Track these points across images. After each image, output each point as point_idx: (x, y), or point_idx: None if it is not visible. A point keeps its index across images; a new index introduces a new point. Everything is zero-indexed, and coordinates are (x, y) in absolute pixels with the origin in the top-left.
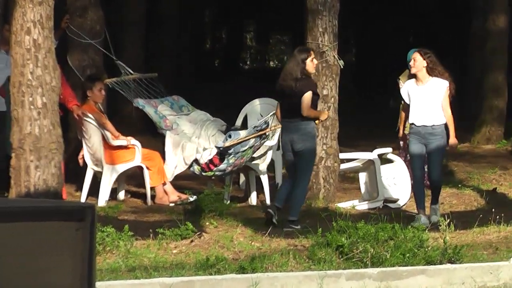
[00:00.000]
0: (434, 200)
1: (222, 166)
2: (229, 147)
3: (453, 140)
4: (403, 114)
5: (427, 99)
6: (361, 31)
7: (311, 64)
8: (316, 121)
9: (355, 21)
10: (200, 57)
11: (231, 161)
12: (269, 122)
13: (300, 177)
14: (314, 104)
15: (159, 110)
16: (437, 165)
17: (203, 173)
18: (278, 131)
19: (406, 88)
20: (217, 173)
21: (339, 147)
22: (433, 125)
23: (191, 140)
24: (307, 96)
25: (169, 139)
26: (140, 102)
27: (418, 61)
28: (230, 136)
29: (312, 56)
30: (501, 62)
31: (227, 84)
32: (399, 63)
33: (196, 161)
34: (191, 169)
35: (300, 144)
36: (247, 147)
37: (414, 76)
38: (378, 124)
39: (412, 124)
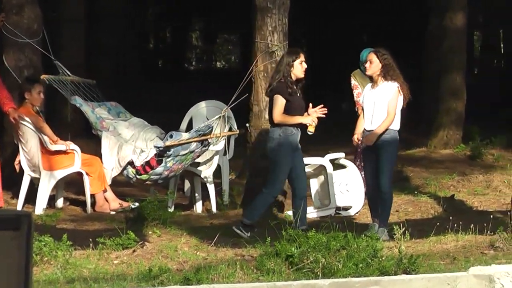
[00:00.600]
0: (383, 219)
1: (159, 169)
2: (169, 148)
3: (370, 138)
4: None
5: (376, 103)
6: (313, 29)
7: (299, 67)
8: (309, 129)
9: (306, 20)
10: (143, 56)
11: (169, 164)
12: (213, 127)
13: (266, 183)
14: (291, 109)
15: (96, 111)
16: (384, 175)
17: (138, 176)
18: (224, 138)
19: (364, 91)
20: (152, 176)
21: None
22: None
23: (128, 142)
24: (275, 100)
25: (106, 140)
26: (77, 100)
27: (374, 63)
28: (171, 136)
29: (302, 58)
30: (459, 62)
31: (172, 85)
32: (353, 63)
33: (131, 163)
34: (125, 172)
35: (268, 152)
36: (187, 151)
37: (370, 78)
38: (331, 127)
39: (364, 129)
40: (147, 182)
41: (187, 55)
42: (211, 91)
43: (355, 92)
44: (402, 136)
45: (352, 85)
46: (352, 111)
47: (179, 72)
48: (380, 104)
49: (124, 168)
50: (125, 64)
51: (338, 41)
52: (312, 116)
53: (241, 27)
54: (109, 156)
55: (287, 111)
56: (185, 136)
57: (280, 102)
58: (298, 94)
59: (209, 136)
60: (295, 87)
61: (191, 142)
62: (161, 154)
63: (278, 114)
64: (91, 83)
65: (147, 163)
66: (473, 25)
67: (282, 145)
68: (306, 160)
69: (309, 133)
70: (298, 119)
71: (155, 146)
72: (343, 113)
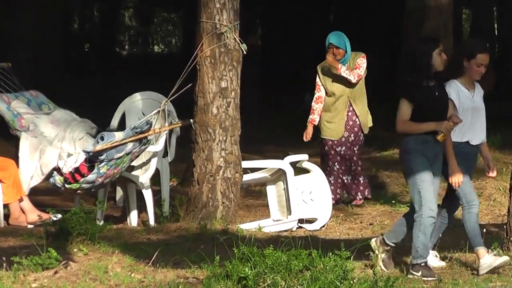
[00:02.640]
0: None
1: (91, 176)
2: (100, 152)
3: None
4: None
5: (477, 111)
6: (270, 8)
7: (438, 59)
8: (438, 137)
9: None
10: (66, 40)
11: (102, 170)
12: (152, 122)
13: (412, 209)
14: (420, 114)
15: (12, 106)
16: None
17: (67, 185)
18: (164, 134)
19: (462, 97)
20: (84, 185)
21: (241, 154)
22: None
23: (53, 144)
24: (400, 104)
25: (25, 142)
26: None
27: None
28: (102, 138)
29: (441, 47)
30: (445, 46)
31: (100, 74)
32: (317, 47)
33: (57, 169)
34: (51, 180)
35: (403, 166)
36: (123, 153)
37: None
38: (291, 124)
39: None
40: (78, 192)
41: (119, 38)
42: (147, 81)
43: (316, 95)
44: (376, 134)
45: (316, 82)
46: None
47: (109, 58)
48: (482, 111)
49: (50, 176)
50: (44, 49)
51: (300, 22)
52: (446, 124)
53: (184, 3)
54: (28, 161)
55: (417, 117)
56: (118, 136)
57: (404, 107)
58: (437, 94)
59: (148, 133)
60: (431, 84)
61: (127, 142)
62: (92, 159)
63: (400, 121)
64: (5, 66)
65: (77, 170)
66: (460, 1)
67: (413, 157)
68: (263, 163)
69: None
70: (425, 127)
71: (84, 151)
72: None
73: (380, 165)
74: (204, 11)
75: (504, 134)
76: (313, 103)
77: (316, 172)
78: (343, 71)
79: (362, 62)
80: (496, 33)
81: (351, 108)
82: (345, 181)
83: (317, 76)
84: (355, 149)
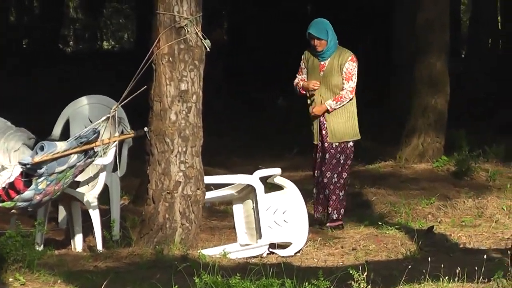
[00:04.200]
0: None
1: (28, 193)
2: (39, 165)
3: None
4: None
5: None
6: None
7: None
8: None
9: None
10: (2, 35)
11: (41, 186)
12: (99, 131)
13: None
14: None
15: None
16: None
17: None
18: (114, 145)
19: None
20: (19, 203)
21: (204, 167)
22: None
23: None
24: None
25: None
26: None
27: None
28: (42, 149)
29: None
30: (440, 42)
31: (41, 74)
32: (293, 42)
33: None
34: None
35: None
36: (65, 166)
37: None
38: (262, 131)
39: None
40: (13, 211)
41: (63, 32)
42: (95, 82)
43: (298, 78)
44: (362, 144)
45: (299, 65)
46: (291, 107)
47: (51, 55)
48: None
49: None
50: None
51: (274, 13)
52: None
53: None
54: None
55: None
56: (61, 146)
57: None
58: None
59: (95, 143)
60: None
61: (70, 154)
62: (29, 173)
63: None
64: None
65: (11, 185)
66: None
67: None
68: (228, 178)
69: None
70: None
71: (19, 163)
72: (279, 110)
73: (365, 180)
74: (161, 1)
75: (509, 143)
76: (296, 80)
77: (290, 188)
78: (334, 105)
79: (352, 68)
80: (499, 27)
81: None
82: (324, 195)
83: (302, 60)
84: (340, 158)
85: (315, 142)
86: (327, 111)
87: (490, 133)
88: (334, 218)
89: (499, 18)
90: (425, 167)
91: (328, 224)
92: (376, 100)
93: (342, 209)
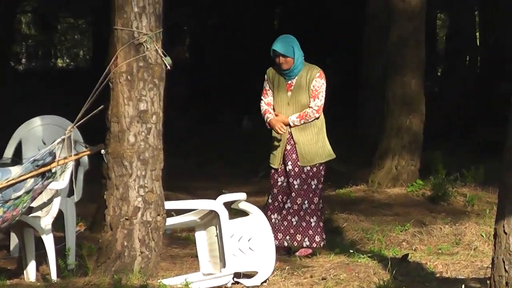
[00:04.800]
0: None
1: None
2: None
3: None
4: None
5: None
6: (200, 12)
7: None
8: None
9: None
10: None
11: None
12: (55, 152)
13: None
14: None
15: None
16: None
17: None
18: (70, 167)
19: None
20: None
21: (164, 192)
22: None
23: None
24: None
25: None
26: None
27: None
28: None
29: None
30: (415, 59)
31: None
32: (259, 59)
33: None
34: None
35: None
36: (22, 191)
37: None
38: (227, 154)
39: None
40: None
41: (14, 49)
42: (49, 102)
43: (264, 101)
44: (332, 167)
45: (263, 87)
46: (256, 128)
47: (1, 74)
48: None
49: None
50: None
51: (239, 29)
52: None
53: (94, 7)
54: None
55: None
56: (16, 171)
57: None
58: None
59: (52, 165)
60: None
61: (26, 178)
62: None
63: None
64: None
65: None
66: (435, 4)
67: None
68: (190, 203)
69: None
70: None
71: None
72: (245, 131)
73: (335, 205)
74: (118, 16)
75: (488, 166)
76: (263, 106)
77: (256, 214)
78: (297, 122)
79: (319, 85)
80: (478, 42)
81: (290, 131)
82: (291, 222)
83: (266, 81)
84: (312, 182)
85: (275, 167)
86: (289, 125)
87: (468, 155)
88: (305, 246)
89: (477, 33)
90: (399, 192)
91: (297, 253)
92: (345, 120)
93: (316, 236)
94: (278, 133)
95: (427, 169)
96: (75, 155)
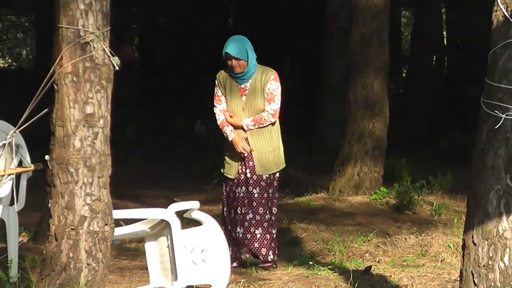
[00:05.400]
0: None
1: None
2: None
3: None
4: None
5: None
6: (150, 9)
7: None
8: None
9: None
10: None
11: None
12: None
13: None
14: None
15: None
16: None
17: None
18: (10, 178)
19: None
20: None
21: (112, 200)
22: None
23: None
24: None
25: None
26: None
27: None
28: None
29: None
30: (377, 60)
31: None
32: (213, 60)
33: None
34: None
35: None
36: None
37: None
38: (178, 160)
39: None
40: None
41: None
42: None
43: (218, 108)
44: (290, 174)
45: (215, 93)
46: (210, 133)
47: None
48: None
49: None
50: None
51: (191, 28)
52: None
53: (37, 4)
54: None
55: None
56: None
57: None
58: None
59: None
60: None
61: None
62: None
63: None
64: None
65: None
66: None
67: None
68: (139, 212)
69: None
70: None
71: None
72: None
73: (294, 215)
74: (63, 13)
75: (456, 173)
76: (219, 117)
77: (209, 224)
78: (250, 126)
79: (274, 88)
80: (445, 42)
81: (246, 137)
82: (255, 235)
83: (217, 86)
84: (269, 191)
85: (232, 176)
86: (242, 129)
87: (435, 161)
88: (270, 259)
89: (444, 32)
90: (361, 200)
91: (261, 265)
92: (304, 124)
93: (276, 249)
94: (240, 152)
95: (391, 176)
96: (15, 168)
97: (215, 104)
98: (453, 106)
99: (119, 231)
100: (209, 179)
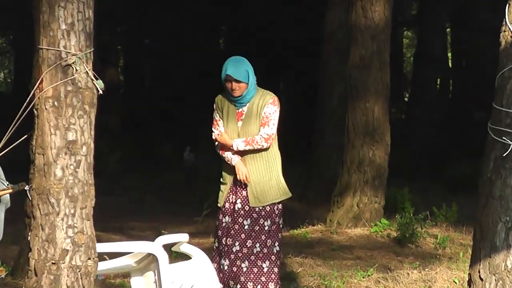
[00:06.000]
0: None
1: None
2: None
3: None
4: None
5: None
6: (135, 29)
7: None
8: None
9: (126, 11)
10: None
11: None
12: None
13: None
14: None
15: None
16: None
17: None
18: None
19: None
20: None
21: (96, 232)
22: None
23: None
24: None
25: None
26: None
27: None
28: None
29: None
30: (379, 82)
31: None
32: (203, 83)
33: None
34: None
35: None
36: None
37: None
38: (166, 190)
39: None
40: None
41: None
42: None
43: (215, 132)
44: (284, 205)
45: (213, 117)
46: (199, 161)
47: None
48: None
49: None
50: None
51: (179, 48)
52: None
53: (15, 24)
54: None
55: None
56: None
57: None
58: None
59: None
60: None
61: None
62: None
63: None
64: None
65: None
66: (402, 20)
67: None
68: (125, 246)
69: None
70: None
71: None
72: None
73: (289, 248)
74: (44, 34)
75: (461, 204)
76: (218, 142)
77: (199, 258)
78: (241, 147)
79: (271, 112)
80: (450, 64)
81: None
82: (241, 268)
83: (215, 110)
84: (265, 223)
85: (219, 205)
86: (232, 149)
87: (439, 191)
88: None
89: (449, 53)
90: (361, 232)
91: None
92: (299, 150)
93: (270, 284)
94: (240, 178)
95: (393, 207)
96: None
97: (213, 129)
98: (458, 133)
99: (103, 266)
100: (199, 210)
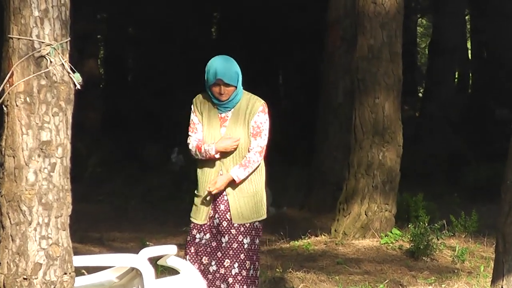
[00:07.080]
0: None
1: None
2: None
3: None
4: None
5: None
6: (118, 15)
7: None
8: None
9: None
10: None
11: None
12: None
13: None
14: None
15: None
16: None
17: None
18: None
19: None
20: None
21: (73, 244)
22: None
23: None
24: None
25: None
26: None
27: None
28: None
29: None
30: (390, 74)
31: None
32: (193, 77)
33: None
34: None
35: None
36: None
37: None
38: (151, 197)
39: None
40: None
41: None
42: None
43: (192, 137)
44: (283, 214)
45: (190, 119)
46: (188, 163)
47: None
48: None
49: None
50: None
51: (165, 39)
52: None
53: None
54: None
55: None
56: None
57: None
58: None
59: None
60: None
61: None
62: None
63: None
64: None
65: None
66: (415, 6)
67: None
68: (105, 259)
69: None
70: None
71: None
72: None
73: (289, 261)
74: (14, 21)
75: (482, 212)
76: (192, 147)
77: (188, 272)
78: (242, 175)
79: (262, 122)
80: (469, 55)
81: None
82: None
83: (193, 112)
84: (244, 241)
85: (199, 223)
86: (233, 182)
87: (456, 198)
88: None
89: (468, 44)
90: (369, 244)
91: None
92: (300, 152)
93: None
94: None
95: (405, 216)
96: None
97: (189, 133)
98: (478, 132)
99: (81, 281)
100: (187, 219)
